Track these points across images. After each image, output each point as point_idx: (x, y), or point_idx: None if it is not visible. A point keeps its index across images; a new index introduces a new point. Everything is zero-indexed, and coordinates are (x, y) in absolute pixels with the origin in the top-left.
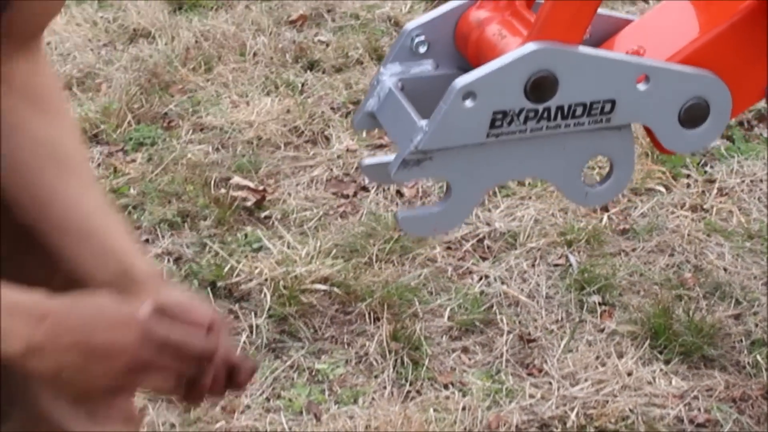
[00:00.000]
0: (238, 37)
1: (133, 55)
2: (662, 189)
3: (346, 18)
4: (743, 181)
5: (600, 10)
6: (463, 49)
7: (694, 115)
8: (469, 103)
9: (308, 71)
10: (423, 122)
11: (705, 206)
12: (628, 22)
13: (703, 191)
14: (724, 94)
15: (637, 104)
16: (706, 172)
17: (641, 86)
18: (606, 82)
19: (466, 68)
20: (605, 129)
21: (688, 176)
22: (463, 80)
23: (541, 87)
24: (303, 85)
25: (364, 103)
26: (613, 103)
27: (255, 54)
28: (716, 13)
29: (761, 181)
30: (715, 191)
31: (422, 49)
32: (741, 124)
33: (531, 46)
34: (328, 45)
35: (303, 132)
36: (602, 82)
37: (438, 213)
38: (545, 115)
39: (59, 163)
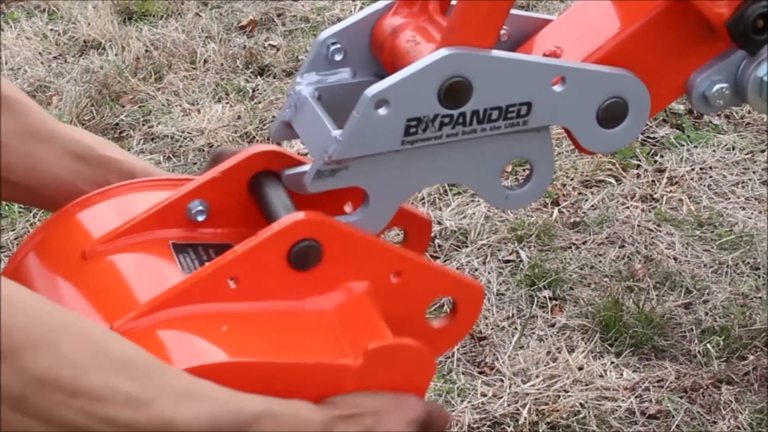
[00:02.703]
0: (188, 45)
1: (84, 67)
2: (612, 180)
3: (296, 21)
4: (693, 169)
5: (518, 12)
6: (379, 55)
7: (612, 115)
8: (382, 111)
9: (259, 76)
10: (336, 132)
11: (655, 196)
12: (546, 22)
13: (653, 181)
14: (642, 92)
15: (553, 106)
16: (656, 161)
17: (557, 88)
18: (521, 84)
19: (383, 75)
20: (523, 132)
21: (638, 166)
22: (374, 89)
23: (455, 92)
24: (254, 90)
25: (281, 113)
26: (529, 105)
27: (205, 61)
28: (632, 11)
29: (711, 168)
30: (665, 180)
31: (338, 57)
32: (690, 112)
33: (442, 52)
34: (278, 49)
35: (254, 138)
36: (517, 85)
37: (356, 222)
38: (460, 120)
39: None
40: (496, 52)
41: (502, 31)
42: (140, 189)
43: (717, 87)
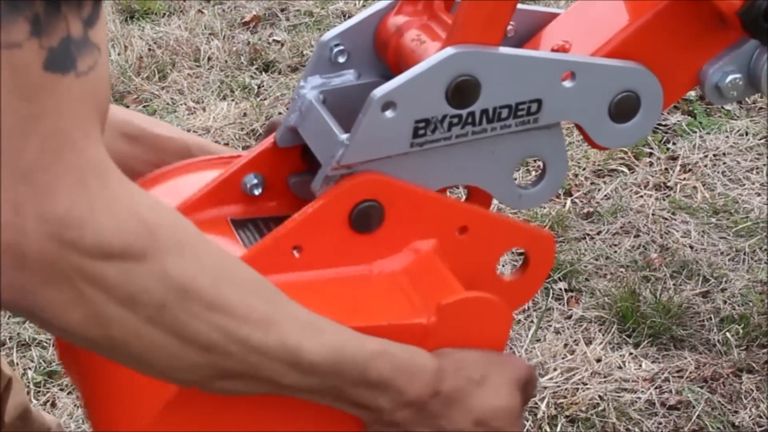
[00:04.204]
0: (191, 43)
1: None
2: (625, 169)
3: (300, 16)
4: (706, 156)
5: (525, 6)
6: (384, 56)
7: (624, 109)
8: (389, 113)
9: (264, 72)
10: (344, 136)
11: (669, 184)
12: (554, 15)
13: (666, 169)
14: (654, 85)
15: (564, 102)
16: (668, 149)
17: (567, 83)
18: (530, 81)
19: (388, 76)
20: (534, 129)
21: (651, 154)
22: (380, 91)
23: (463, 91)
24: (259, 87)
25: (286, 118)
26: (539, 102)
27: (209, 58)
28: (642, 2)
29: (724, 154)
30: (678, 168)
31: (342, 59)
32: (702, 98)
33: (449, 51)
34: (282, 45)
35: (261, 135)
36: (526, 82)
37: None
38: (470, 120)
39: None
40: (503, 49)
41: (509, 27)
42: (194, 169)
43: (730, 78)
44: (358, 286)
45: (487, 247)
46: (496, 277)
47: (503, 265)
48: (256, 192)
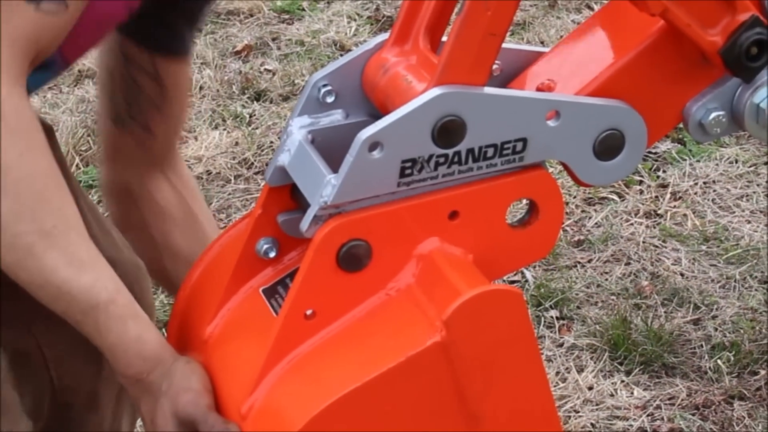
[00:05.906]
0: None
1: (79, 97)
2: (615, 197)
3: (292, 45)
4: (696, 184)
5: (510, 45)
6: (371, 95)
7: (609, 147)
8: (376, 153)
9: (255, 102)
10: (331, 176)
11: (659, 212)
12: (539, 54)
13: (656, 196)
14: (638, 123)
15: (549, 141)
16: (658, 177)
17: (552, 122)
18: (515, 121)
19: (376, 115)
20: (519, 168)
21: (641, 182)
22: (367, 131)
23: (449, 131)
24: (251, 116)
25: (275, 158)
26: (524, 141)
27: (201, 87)
28: (625, 41)
29: (714, 182)
30: (668, 196)
31: (330, 99)
32: None
33: (434, 92)
34: (274, 74)
35: (253, 164)
36: (511, 122)
37: None
38: (456, 159)
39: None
40: (488, 90)
41: (495, 66)
42: (226, 241)
43: (713, 115)
44: (375, 323)
45: (488, 215)
46: (513, 233)
47: None
48: (272, 254)
